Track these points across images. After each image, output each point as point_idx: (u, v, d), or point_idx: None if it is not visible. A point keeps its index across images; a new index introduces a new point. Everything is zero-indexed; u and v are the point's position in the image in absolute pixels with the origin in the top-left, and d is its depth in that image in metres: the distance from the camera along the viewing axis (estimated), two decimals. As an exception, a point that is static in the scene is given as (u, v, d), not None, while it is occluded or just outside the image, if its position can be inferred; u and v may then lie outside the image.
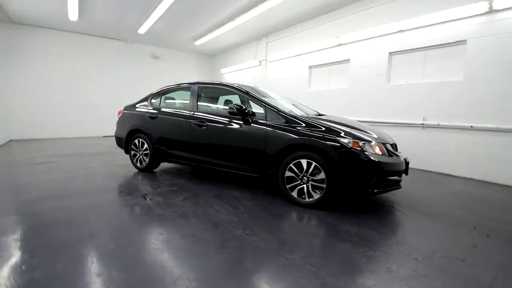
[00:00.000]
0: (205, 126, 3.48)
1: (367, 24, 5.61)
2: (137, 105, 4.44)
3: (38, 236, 2.10)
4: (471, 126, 4.32)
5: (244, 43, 9.52)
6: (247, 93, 3.36)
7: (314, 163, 2.74)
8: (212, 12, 6.71)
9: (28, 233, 2.15)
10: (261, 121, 3.10)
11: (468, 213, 2.91)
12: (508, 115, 4.01)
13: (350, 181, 2.63)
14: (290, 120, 2.97)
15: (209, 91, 4.04)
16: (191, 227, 2.32)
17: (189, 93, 3.93)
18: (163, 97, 4.25)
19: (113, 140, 4.89)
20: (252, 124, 3.14)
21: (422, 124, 4.94)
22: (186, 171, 4.43)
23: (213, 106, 4.03)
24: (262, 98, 3.28)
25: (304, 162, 2.80)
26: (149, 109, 4.20)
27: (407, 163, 2.98)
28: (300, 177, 2.85)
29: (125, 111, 4.54)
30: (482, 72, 4.21)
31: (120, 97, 9.51)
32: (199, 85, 3.82)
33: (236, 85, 3.54)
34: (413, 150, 4.78)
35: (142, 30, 7.86)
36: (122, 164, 4.83)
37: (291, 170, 2.89)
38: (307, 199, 2.84)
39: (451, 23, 4.45)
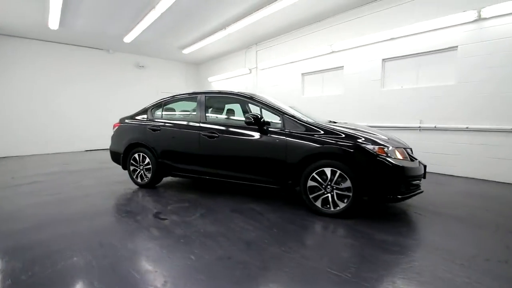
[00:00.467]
0: (216, 137, 3.32)
1: (360, 32, 5.78)
2: (135, 117, 4.17)
3: (45, 279, 1.82)
4: (467, 127, 4.53)
5: (233, 51, 9.47)
6: (260, 102, 3.26)
7: (339, 172, 2.68)
8: (202, 20, 6.59)
9: (28, 272, 1.86)
10: (280, 131, 3.00)
11: (484, 212, 2.98)
12: (497, 115, 4.25)
13: (378, 188, 2.60)
14: (310, 129, 2.91)
15: (218, 100, 3.89)
16: (222, 248, 2.15)
17: (194, 103, 3.75)
18: (165, 108, 4.02)
19: (100, 154, 4.59)
20: (269, 134, 3.03)
21: (419, 127, 5.12)
22: (190, 185, 4.20)
23: (224, 116, 3.88)
24: (278, 106, 3.19)
25: (328, 170, 2.73)
26: (150, 121, 3.95)
27: (424, 167, 3.01)
28: (323, 186, 2.78)
29: (122, 124, 4.24)
30: (473, 76, 4.45)
31: (104, 109, 9.07)
32: (206, 95, 3.65)
33: (248, 94, 3.43)
34: (413, 152, 4.91)
35: (128, 39, 7.54)
36: (118, 181, 4.49)
37: (314, 179, 2.81)
38: (332, 209, 2.77)
39: (442, 30, 4.69)
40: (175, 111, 4.10)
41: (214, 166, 3.39)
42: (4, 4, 5.56)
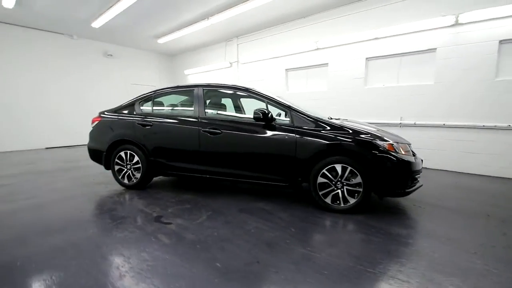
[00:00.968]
0: (219, 133, 3.12)
1: (345, 30, 5.91)
2: (120, 111, 3.76)
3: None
4: (444, 124, 4.92)
5: (212, 44, 9.11)
6: (267, 97, 3.14)
7: (349, 168, 2.70)
8: (184, 8, 6.18)
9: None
10: (288, 127, 2.92)
11: (470, 203, 3.24)
12: (470, 113, 4.67)
13: (388, 183, 2.67)
14: (319, 125, 2.87)
15: (218, 94, 3.66)
16: (246, 252, 2.02)
17: (189, 97, 3.49)
18: (155, 102, 3.69)
19: (64, 152, 4.12)
20: (277, 130, 2.94)
21: (400, 123, 5.43)
22: (181, 184, 3.94)
23: (226, 111, 3.68)
24: (285, 102, 3.10)
25: (338, 167, 2.73)
26: (139, 116, 3.60)
27: (421, 161, 3.17)
28: (333, 182, 2.78)
29: (103, 118, 3.80)
30: (449, 76, 4.82)
31: (65, 101, 8.15)
32: (205, 88, 3.41)
33: (252, 88, 3.28)
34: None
35: (97, 24, 6.80)
36: (98, 182, 4.05)
37: (323, 176, 2.79)
38: (342, 205, 2.78)
39: (423, 33, 4.99)
40: (170, 105, 3.77)
41: (216, 164, 3.19)
42: None
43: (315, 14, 6.37)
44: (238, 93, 3.44)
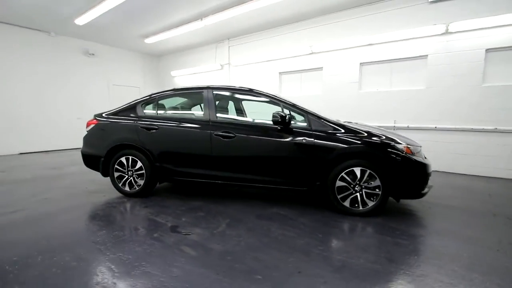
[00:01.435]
0: (233, 137, 3.01)
1: (340, 35, 6.04)
2: (119, 114, 3.51)
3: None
4: (435, 127, 5.17)
5: (201, 45, 8.90)
6: (283, 100, 3.08)
7: (368, 171, 2.71)
8: (177, 7, 5.97)
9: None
10: (306, 130, 2.88)
11: (472, 201, 3.39)
12: (459, 117, 4.96)
13: (406, 185, 2.71)
14: (336, 128, 2.87)
15: (229, 97, 3.54)
16: (282, 261, 1.93)
17: (197, 99, 3.35)
18: (160, 104, 3.48)
19: (44, 158, 3.83)
20: (295, 133, 2.88)
21: (394, 126, 5.63)
22: (183, 190, 3.74)
23: (241, 114, 3.58)
24: (301, 105, 3.06)
25: (357, 170, 2.74)
26: (142, 118, 3.37)
27: (429, 163, 3.27)
28: (352, 186, 2.78)
29: (101, 122, 3.52)
30: (440, 82, 5.09)
31: (41, 103, 7.53)
32: (214, 90, 3.28)
33: (266, 91, 3.20)
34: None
35: (82, 21, 6.35)
36: (91, 190, 3.74)
37: (342, 179, 2.78)
38: (361, 208, 2.79)
39: (415, 40, 5.23)
40: (177, 107, 3.57)
41: (230, 170, 3.07)
42: None
43: (309, 19, 6.45)
44: (250, 95, 3.34)
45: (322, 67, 6.48)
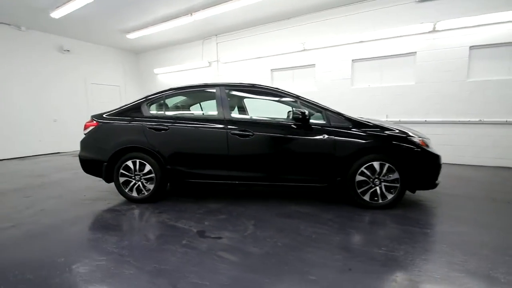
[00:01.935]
0: (251, 135, 2.93)
1: (332, 32, 6.15)
2: (122, 114, 3.26)
3: None
4: (425, 121, 5.47)
5: (187, 41, 8.59)
6: (299, 97, 3.05)
7: (387, 164, 2.79)
8: (164, 1, 5.69)
9: None
10: (325, 127, 2.89)
11: (470, 189, 3.64)
12: (447, 110, 5.29)
13: (423, 177, 2.83)
14: (355, 124, 2.91)
15: (242, 94, 3.43)
16: (329, 260, 1.92)
17: (208, 97, 3.21)
18: (167, 103, 3.29)
19: (21, 166, 3.50)
20: (314, 130, 2.88)
21: (386, 121, 5.85)
22: (196, 193, 3.59)
23: (256, 112, 3.45)
24: (317, 102, 3.05)
25: (377, 164, 2.80)
26: (150, 119, 3.17)
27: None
28: (371, 180, 2.84)
29: (102, 123, 3.25)
30: (428, 78, 5.38)
31: (9, 104, 6.81)
32: (227, 88, 3.16)
33: (280, 88, 3.15)
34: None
35: (58, 13, 5.82)
36: (93, 198, 3.47)
37: (362, 174, 2.83)
38: (380, 201, 2.86)
39: (404, 37, 5.47)
40: (188, 106, 3.39)
41: (248, 169, 2.99)
42: None
43: (301, 16, 6.48)
44: (264, 93, 3.26)
45: (314, 64, 6.56)
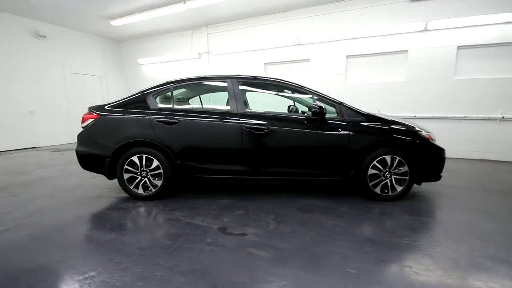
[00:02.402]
0: (266, 129, 2.87)
1: (327, 28, 6.20)
2: (125, 106, 3.05)
3: None
4: (415, 116, 5.73)
5: (175, 31, 8.22)
6: (312, 91, 3.04)
7: (398, 158, 2.88)
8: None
9: None
10: (340, 121, 2.91)
11: (461, 180, 3.88)
12: (435, 106, 5.58)
13: (430, 169, 2.96)
14: (368, 118, 2.96)
15: (256, 87, 3.36)
16: (359, 252, 1.95)
17: (219, 89, 3.11)
18: (175, 95, 3.12)
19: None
20: (330, 125, 2.89)
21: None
22: (204, 189, 3.49)
23: (268, 106, 3.36)
24: (333, 97, 3.06)
25: (388, 157, 2.89)
26: (157, 111, 2.99)
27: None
28: (383, 173, 2.92)
29: (103, 116, 3.02)
30: (419, 75, 5.62)
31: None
32: (239, 80, 3.07)
33: (293, 82, 3.12)
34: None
35: (36, -6, 5.29)
36: (91, 196, 3.25)
37: (373, 167, 2.91)
38: (390, 193, 2.96)
39: (397, 35, 5.65)
40: (191, 98, 3.25)
41: (263, 164, 2.94)
42: None
43: (297, 9, 6.45)
44: (277, 86, 3.21)
45: (309, 59, 6.59)
